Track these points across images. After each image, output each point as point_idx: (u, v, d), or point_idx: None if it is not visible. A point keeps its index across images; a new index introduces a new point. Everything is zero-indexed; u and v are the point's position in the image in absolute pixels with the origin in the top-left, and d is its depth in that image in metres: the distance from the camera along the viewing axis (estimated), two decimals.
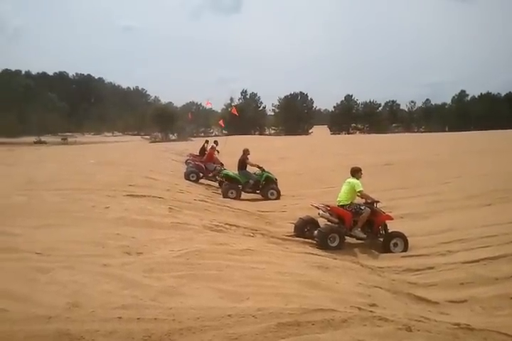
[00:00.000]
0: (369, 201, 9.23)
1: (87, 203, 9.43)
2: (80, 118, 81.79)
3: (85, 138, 71.47)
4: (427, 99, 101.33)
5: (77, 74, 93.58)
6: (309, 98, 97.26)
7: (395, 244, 8.55)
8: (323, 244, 8.40)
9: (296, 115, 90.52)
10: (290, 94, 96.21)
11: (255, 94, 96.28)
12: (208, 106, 56.08)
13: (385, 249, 8.56)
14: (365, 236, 8.97)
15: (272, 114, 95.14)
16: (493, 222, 9.47)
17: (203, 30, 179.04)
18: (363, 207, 9.06)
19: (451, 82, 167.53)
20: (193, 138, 60.83)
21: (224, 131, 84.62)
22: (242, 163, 15.33)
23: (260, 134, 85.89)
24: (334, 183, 16.89)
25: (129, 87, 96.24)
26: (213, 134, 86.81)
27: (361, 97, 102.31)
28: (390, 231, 8.91)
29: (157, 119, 70.46)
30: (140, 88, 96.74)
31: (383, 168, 20.49)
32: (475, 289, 6.28)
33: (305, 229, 9.19)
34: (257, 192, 15.13)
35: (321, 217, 9.12)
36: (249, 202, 14.20)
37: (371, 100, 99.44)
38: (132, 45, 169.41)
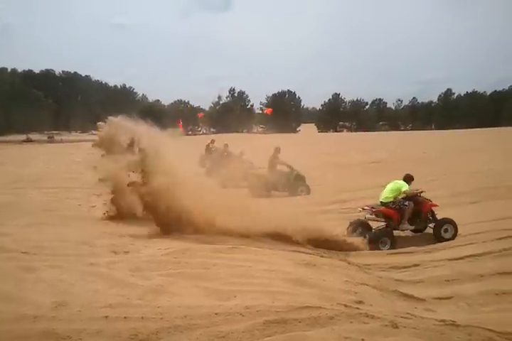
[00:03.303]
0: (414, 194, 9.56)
1: (73, 202, 9.38)
2: (66, 116, 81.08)
3: (72, 137, 70.86)
4: (414, 98, 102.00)
5: (63, 71, 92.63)
6: (297, 96, 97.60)
7: (446, 230, 8.96)
8: (375, 248, 8.56)
9: (283, 113, 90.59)
10: (278, 93, 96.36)
11: (243, 92, 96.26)
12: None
13: (437, 235, 8.98)
14: (413, 227, 9.43)
15: (260, 112, 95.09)
16: (480, 219, 9.60)
17: (193, 29, 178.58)
18: (406, 203, 9.35)
19: (437, 80, 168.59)
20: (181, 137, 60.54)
21: (212, 130, 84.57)
22: (272, 162, 15.51)
23: (248, 132, 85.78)
24: (322, 182, 17.03)
25: (116, 85, 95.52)
26: (201, 132, 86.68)
27: (348, 96, 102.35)
28: (438, 218, 9.30)
29: (144, 117, 70.02)
30: (128, 86, 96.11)
31: (371, 166, 20.62)
32: (460, 286, 6.32)
33: (357, 230, 9.22)
34: (285, 190, 15.27)
35: (368, 219, 9.42)
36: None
37: (358, 98, 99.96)
38: (121, 43, 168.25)
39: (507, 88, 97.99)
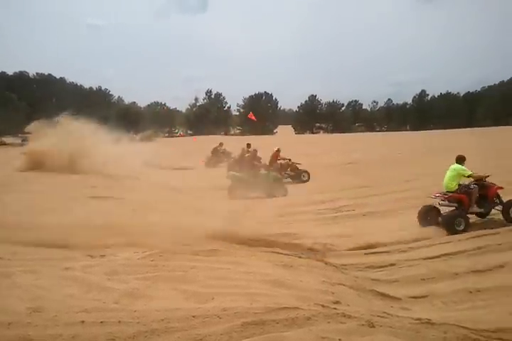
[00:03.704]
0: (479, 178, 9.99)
1: None
2: (41, 119, 79.66)
3: None
4: (389, 99, 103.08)
5: (37, 73, 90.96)
6: (274, 98, 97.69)
7: None
8: (450, 229, 9.05)
9: (260, 115, 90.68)
10: (255, 94, 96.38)
11: (220, 94, 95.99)
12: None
13: (506, 217, 9.50)
14: (482, 210, 9.83)
15: (237, 113, 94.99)
16: None
17: (170, 30, 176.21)
18: (472, 186, 9.86)
19: (412, 82, 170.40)
20: (156, 139, 60.04)
21: (189, 132, 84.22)
22: (250, 163, 15.86)
23: (225, 134, 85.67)
24: (299, 183, 17.11)
25: (91, 87, 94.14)
26: (178, 135, 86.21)
27: (325, 97, 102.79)
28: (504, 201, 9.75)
29: (120, 120, 69.25)
30: (103, 88, 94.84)
31: (347, 167, 20.82)
32: (435, 284, 6.42)
33: (427, 217, 9.77)
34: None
35: (441, 205, 9.79)
36: (215, 202, 14.15)
37: (334, 100, 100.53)
38: (97, 44, 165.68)
39: (479, 89, 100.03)
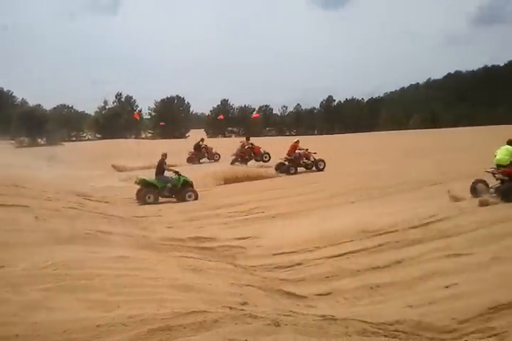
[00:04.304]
0: None
1: None
2: None
3: None
4: (298, 104, 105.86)
5: None
6: (186, 102, 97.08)
7: None
8: (506, 198, 10.72)
9: (172, 118, 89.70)
10: (167, 98, 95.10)
11: (131, 97, 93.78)
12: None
13: (505, 195, 10.86)
14: None
15: (149, 117, 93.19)
16: (355, 218, 10.12)
17: (79, 31, 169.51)
18: None
19: (320, 87, 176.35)
20: (64, 143, 57.55)
21: (97, 135, 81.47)
22: (160, 168, 15.39)
23: (136, 138, 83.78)
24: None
25: None
26: (86, 138, 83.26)
27: (236, 102, 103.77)
28: None
29: (23, 123, 65.50)
30: (6, 90, 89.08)
31: None
32: (339, 281, 6.70)
33: (475, 189, 11.46)
34: (173, 196, 15.24)
35: (498, 178, 11.53)
36: (124, 207, 13.84)
37: (246, 104, 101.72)
38: (2, 44, 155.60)
39: (382, 95, 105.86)
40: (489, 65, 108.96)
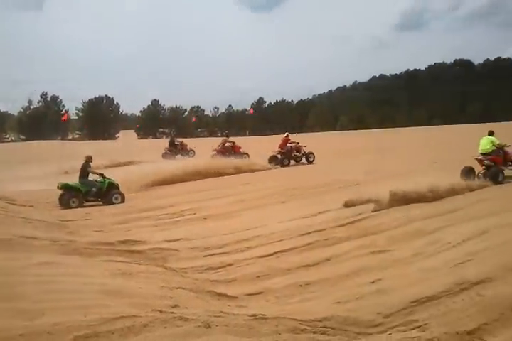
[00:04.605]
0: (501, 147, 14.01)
1: None
2: None
3: None
4: (230, 105, 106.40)
5: None
6: (115, 102, 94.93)
7: None
8: (495, 179, 13.02)
9: (101, 119, 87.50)
10: (95, 98, 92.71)
11: (57, 97, 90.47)
12: None
13: (494, 178, 13.03)
14: (507, 168, 13.84)
15: (76, 117, 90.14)
16: (286, 218, 10.38)
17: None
18: (500, 151, 13.91)
19: (251, 89, 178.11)
20: None
21: (21, 137, 78.02)
22: (84, 171, 14.77)
23: (62, 139, 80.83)
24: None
25: None
26: (9, 139, 79.54)
27: (168, 102, 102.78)
28: None
29: None
30: None
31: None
32: (270, 280, 6.78)
33: (468, 174, 13.12)
34: (99, 200, 14.75)
35: (486, 165, 13.55)
36: (49, 211, 13.30)
37: (177, 105, 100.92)
38: None
39: (311, 97, 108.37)
40: (411, 68, 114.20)
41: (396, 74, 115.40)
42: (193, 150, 29.43)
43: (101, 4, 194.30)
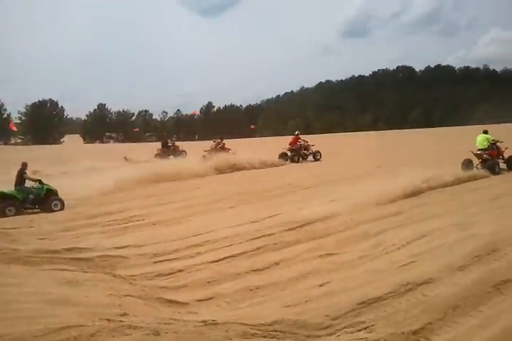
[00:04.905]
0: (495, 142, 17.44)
1: None
2: None
3: None
4: (178, 110, 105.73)
5: None
6: (60, 106, 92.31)
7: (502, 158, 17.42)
8: (493, 170, 16.28)
9: (45, 123, 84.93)
10: (39, 101, 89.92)
11: None
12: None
13: (491, 169, 16.30)
14: (499, 161, 17.15)
15: (19, 122, 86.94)
16: (236, 223, 10.41)
17: None
18: (494, 146, 17.11)
19: (199, 93, 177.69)
20: None
21: None
22: (21, 178, 13.99)
23: (5, 144, 77.92)
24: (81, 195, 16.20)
25: None
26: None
27: (114, 106, 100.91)
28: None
29: None
30: None
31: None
32: (220, 286, 6.78)
33: (468, 165, 16.32)
34: (37, 207, 14.03)
35: (484, 158, 16.82)
36: None
37: (124, 109, 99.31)
38: None
39: (259, 102, 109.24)
40: (356, 74, 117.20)
41: (342, 80, 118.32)
42: (185, 151, 31.11)
43: (44, 6, 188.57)
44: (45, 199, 13.94)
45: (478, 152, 16.94)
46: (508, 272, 6.38)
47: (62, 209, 13.90)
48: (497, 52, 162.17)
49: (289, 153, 25.29)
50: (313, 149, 26.22)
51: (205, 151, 27.17)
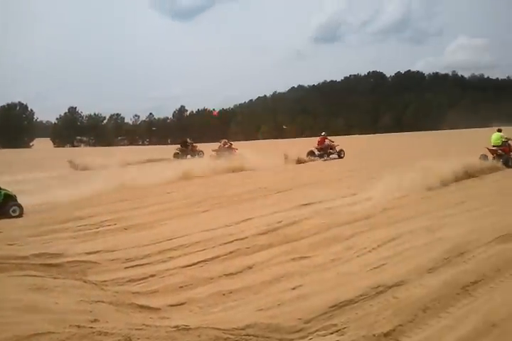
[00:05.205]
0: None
1: None
2: None
3: None
4: (151, 113, 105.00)
5: None
6: (29, 109, 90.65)
7: None
8: (507, 164, 18.97)
9: (14, 127, 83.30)
10: (7, 104, 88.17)
11: None
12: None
13: (506, 163, 19.14)
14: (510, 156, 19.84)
15: None
16: (209, 227, 10.35)
17: None
18: (506, 143, 20.02)
19: (172, 97, 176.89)
20: None
21: None
22: None
23: None
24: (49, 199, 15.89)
25: None
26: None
27: (86, 109, 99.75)
28: None
29: None
30: None
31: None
32: (193, 290, 6.73)
33: (486, 158, 19.46)
34: None
35: (498, 153, 19.83)
36: None
37: (96, 113, 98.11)
38: None
39: (232, 106, 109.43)
40: (328, 79, 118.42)
41: (314, 85, 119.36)
42: (202, 151, 32.36)
43: (15, 7, 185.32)
44: (3, 205, 13.41)
45: (493, 148, 20.02)
46: None
47: (21, 215, 13.45)
48: (465, 58, 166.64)
49: (316, 151, 28.35)
50: (338, 148, 29.26)
51: (213, 151, 29.68)
